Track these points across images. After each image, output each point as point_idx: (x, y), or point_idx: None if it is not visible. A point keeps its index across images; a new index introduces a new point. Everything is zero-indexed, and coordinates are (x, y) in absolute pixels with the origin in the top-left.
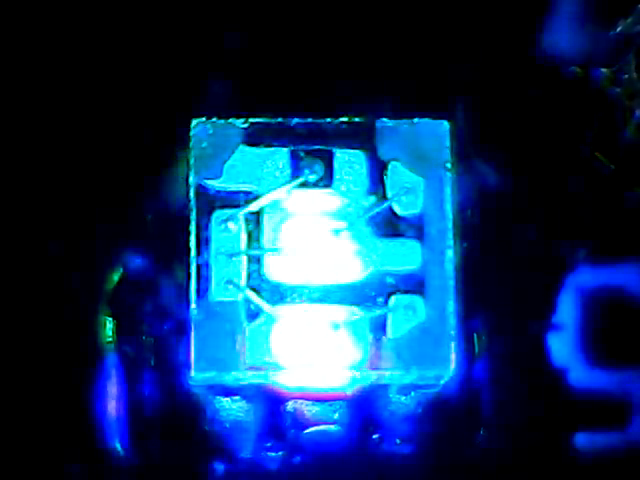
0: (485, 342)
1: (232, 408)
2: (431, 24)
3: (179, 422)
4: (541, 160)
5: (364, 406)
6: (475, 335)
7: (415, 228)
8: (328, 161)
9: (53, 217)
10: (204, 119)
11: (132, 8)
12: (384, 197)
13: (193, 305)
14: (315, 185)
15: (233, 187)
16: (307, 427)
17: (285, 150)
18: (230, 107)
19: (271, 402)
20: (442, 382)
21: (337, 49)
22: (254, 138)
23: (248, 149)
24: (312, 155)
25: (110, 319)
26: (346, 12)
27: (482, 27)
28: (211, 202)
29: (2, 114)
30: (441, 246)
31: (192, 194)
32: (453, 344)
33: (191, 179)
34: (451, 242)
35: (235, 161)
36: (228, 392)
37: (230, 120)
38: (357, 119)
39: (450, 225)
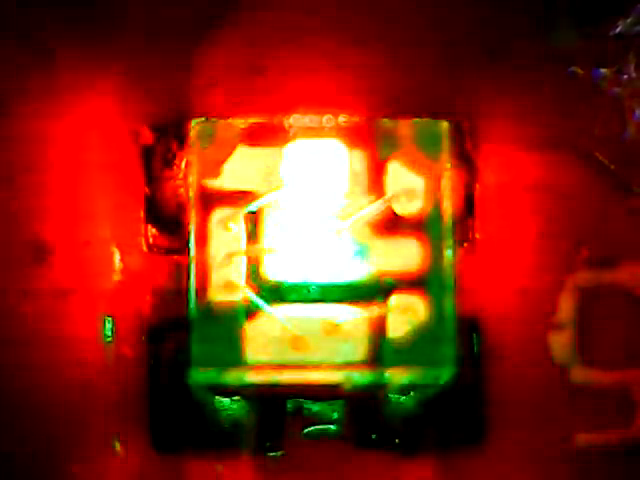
0: (485, 342)
1: (232, 407)
2: (432, 24)
3: (179, 422)
4: (541, 160)
5: (364, 406)
6: (475, 335)
7: (415, 228)
8: (328, 161)
9: (53, 217)
10: (204, 119)
11: (132, 7)
12: (384, 197)
13: (193, 305)
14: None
15: (233, 187)
16: (307, 427)
17: (284, 150)
18: (230, 107)
19: (271, 402)
20: (442, 382)
21: (338, 49)
22: (254, 138)
23: (248, 149)
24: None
25: (110, 319)
26: (347, 12)
27: (483, 27)
28: (211, 202)
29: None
30: (441, 246)
31: (192, 194)
32: (453, 344)
33: (191, 179)
34: (451, 242)
35: (235, 161)
36: (228, 391)
37: (230, 120)
38: (357, 119)
39: (450, 225)
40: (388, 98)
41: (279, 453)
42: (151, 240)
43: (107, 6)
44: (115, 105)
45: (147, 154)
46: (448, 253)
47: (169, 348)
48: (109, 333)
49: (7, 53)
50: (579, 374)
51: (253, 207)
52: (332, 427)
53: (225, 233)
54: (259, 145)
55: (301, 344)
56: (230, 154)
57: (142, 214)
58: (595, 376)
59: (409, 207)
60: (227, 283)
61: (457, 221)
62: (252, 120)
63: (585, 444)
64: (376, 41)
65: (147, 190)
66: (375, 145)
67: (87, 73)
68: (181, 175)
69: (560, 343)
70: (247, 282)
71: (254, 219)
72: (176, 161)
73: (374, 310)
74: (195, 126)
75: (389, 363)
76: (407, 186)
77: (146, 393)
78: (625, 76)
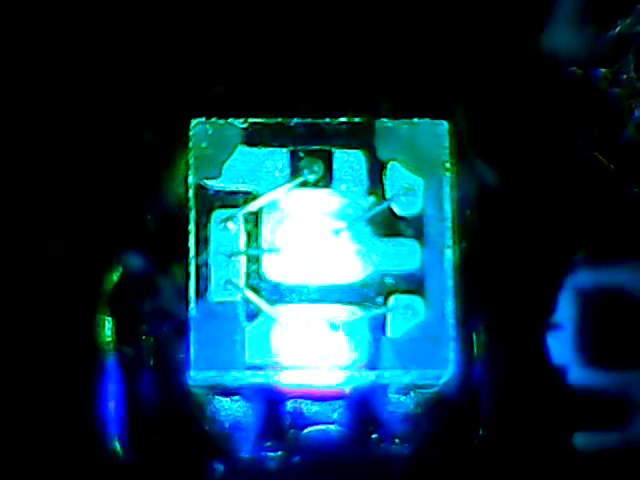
0: (485, 342)
1: (232, 408)
2: (431, 25)
3: (179, 422)
4: (541, 160)
5: (364, 406)
6: (475, 335)
7: (415, 228)
8: (327, 161)
9: (53, 217)
10: (204, 119)
11: (133, 10)
12: (383, 197)
13: (192, 305)
14: (314, 185)
15: (233, 187)
16: (307, 427)
17: (284, 150)
18: (230, 107)
19: (271, 402)
20: (442, 382)
21: (337, 49)
22: (254, 138)
23: (248, 149)
24: (311, 155)
25: (110, 319)
26: (347, 12)
27: (482, 28)
28: (211, 202)
29: (3, 114)
30: (441, 246)
31: (192, 194)
32: (453, 344)
33: (191, 179)
34: (451, 242)
35: (235, 161)
36: (228, 392)
37: (230, 120)
38: (357, 119)
39: (450, 225)
40: (388, 98)
41: (279, 454)
42: (151, 240)
43: (108, 5)
44: (115, 105)
45: (147, 154)
46: (448, 253)
47: (169, 348)
48: (109, 333)
49: (7, 53)
50: (578, 374)
51: (253, 207)
52: (332, 427)
53: (225, 233)
54: (259, 145)
55: (301, 344)
56: (230, 154)
57: (142, 214)
58: (594, 376)
59: (409, 207)
60: (227, 283)
61: (457, 221)
62: (252, 120)
63: (585, 444)
64: (377, 41)
65: (147, 190)
66: (375, 145)
67: (87, 73)
68: (181, 175)
69: (559, 343)
70: (247, 282)
71: (254, 219)
72: (176, 161)
73: (374, 310)
74: (195, 126)
75: (389, 363)
76: (407, 186)
77: (146, 393)
78: (625, 76)
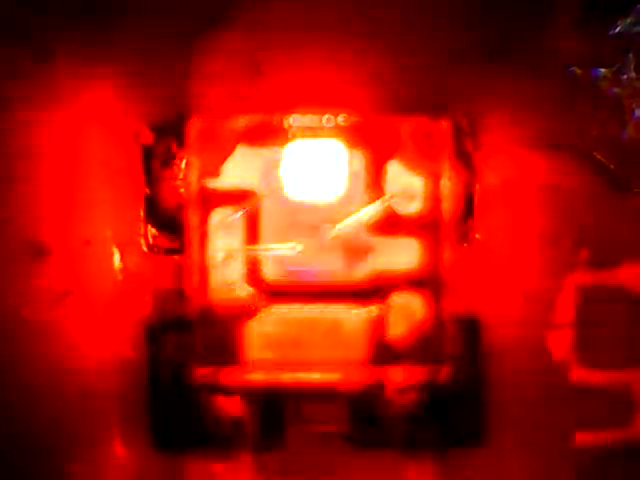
0: (485, 341)
1: (232, 408)
2: (431, 23)
3: (179, 422)
4: (541, 160)
5: (364, 406)
6: (475, 334)
7: (415, 228)
8: (328, 161)
9: (53, 217)
10: (204, 119)
11: (134, 8)
12: (383, 197)
13: (193, 305)
14: (314, 184)
15: (233, 187)
16: (307, 427)
17: (284, 150)
18: (230, 107)
19: (271, 402)
20: (442, 382)
21: (337, 48)
22: (254, 138)
23: (248, 149)
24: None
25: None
26: (346, 11)
27: (482, 27)
28: (210, 202)
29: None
30: (441, 246)
31: (192, 194)
32: (453, 344)
33: (191, 179)
34: (451, 242)
35: (235, 161)
36: (228, 392)
37: (230, 120)
38: (356, 118)
39: (450, 225)
40: (388, 98)
41: (279, 453)
42: (151, 240)
43: (107, 6)
44: (115, 105)
45: (147, 154)
46: (448, 253)
47: (169, 348)
48: (110, 332)
49: (6, 54)
50: (579, 374)
51: (252, 207)
52: (332, 427)
53: (224, 233)
54: (259, 145)
55: (301, 344)
56: (230, 154)
57: (142, 214)
58: (595, 376)
59: (409, 207)
60: (227, 283)
61: (457, 221)
62: (252, 120)
63: (585, 444)
64: (376, 41)
65: (147, 190)
66: (375, 145)
67: (86, 73)
68: (181, 175)
69: (560, 343)
70: (247, 282)
71: (254, 219)
72: (176, 161)
73: (374, 310)
74: (195, 126)
75: (389, 363)
76: (407, 186)
77: (146, 393)
78: (625, 76)
